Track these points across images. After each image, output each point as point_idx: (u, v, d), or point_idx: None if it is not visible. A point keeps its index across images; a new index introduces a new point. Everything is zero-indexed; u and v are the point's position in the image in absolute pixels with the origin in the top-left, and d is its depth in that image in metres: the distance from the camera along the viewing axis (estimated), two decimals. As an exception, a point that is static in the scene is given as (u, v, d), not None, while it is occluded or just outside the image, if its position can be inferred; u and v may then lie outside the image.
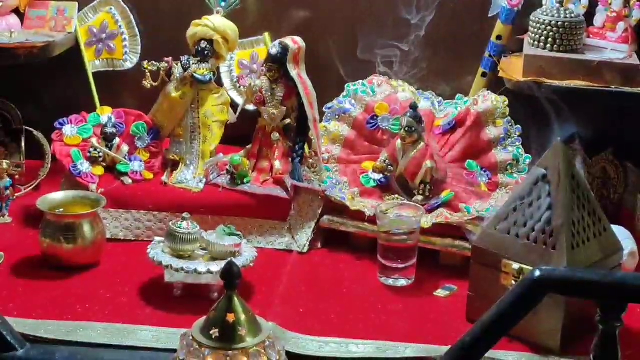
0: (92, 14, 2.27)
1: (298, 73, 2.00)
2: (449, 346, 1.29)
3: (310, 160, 2.06)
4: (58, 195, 1.91)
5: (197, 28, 2.07)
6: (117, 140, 2.07)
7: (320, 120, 2.08)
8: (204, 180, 2.02)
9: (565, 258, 1.53)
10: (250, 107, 2.12)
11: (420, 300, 1.76)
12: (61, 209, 1.86)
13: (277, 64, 2.01)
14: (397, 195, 1.99)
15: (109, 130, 2.07)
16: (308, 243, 1.95)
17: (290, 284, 1.79)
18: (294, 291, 1.77)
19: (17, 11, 2.25)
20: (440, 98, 2.16)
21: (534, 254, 1.57)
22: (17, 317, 1.60)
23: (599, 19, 2.10)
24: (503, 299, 1.23)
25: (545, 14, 2.03)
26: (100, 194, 1.93)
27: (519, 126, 2.04)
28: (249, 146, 2.08)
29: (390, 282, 1.82)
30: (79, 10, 2.26)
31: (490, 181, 2.00)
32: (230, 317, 1.27)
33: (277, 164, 2.03)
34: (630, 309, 1.23)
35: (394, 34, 2.17)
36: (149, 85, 2.09)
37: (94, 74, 2.25)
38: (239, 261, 1.69)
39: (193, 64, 2.07)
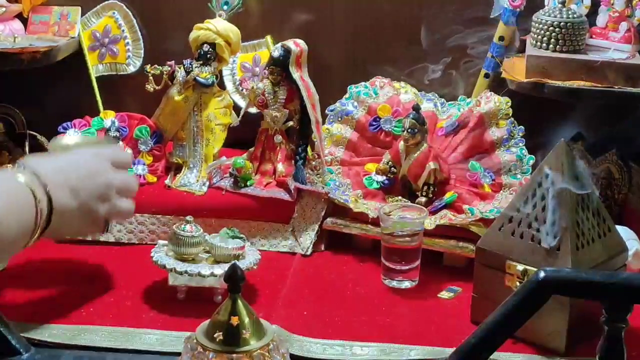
0: (95, 18, 2.27)
1: (300, 75, 2.00)
2: (454, 348, 1.28)
3: (313, 163, 2.05)
4: (61, 200, 1.91)
5: (200, 31, 2.07)
6: (120, 144, 2.07)
7: (323, 123, 2.08)
8: (207, 183, 2.02)
9: (569, 259, 1.52)
10: (253, 110, 2.12)
11: (424, 302, 1.76)
12: (65, 213, 1.86)
13: (279, 66, 2.01)
14: (400, 197, 1.99)
15: (112, 134, 2.07)
16: (311, 245, 1.95)
17: (294, 287, 1.79)
18: (297, 294, 1.76)
19: (20, 16, 2.26)
20: (442, 99, 2.16)
21: (538, 255, 1.57)
22: (21, 321, 1.60)
23: (601, 19, 2.09)
24: (507, 301, 1.22)
25: (547, 14, 2.03)
26: (103, 198, 1.92)
27: (522, 127, 2.03)
28: (251, 149, 2.08)
29: (394, 284, 1.81)
30: (82, 14, 2.26)
31: (494, 182, 2.00)
32: (234, 320, 1.27)
33: (280, 167, 2.03)
34: (635, 310, 1.23)
35: (395, 35, 2.17)
36: (151, 88, 2.09)
37: (97, 78, 2.25)
38: (243, 264, 1.69)
39: (196, 67, 2.07)
